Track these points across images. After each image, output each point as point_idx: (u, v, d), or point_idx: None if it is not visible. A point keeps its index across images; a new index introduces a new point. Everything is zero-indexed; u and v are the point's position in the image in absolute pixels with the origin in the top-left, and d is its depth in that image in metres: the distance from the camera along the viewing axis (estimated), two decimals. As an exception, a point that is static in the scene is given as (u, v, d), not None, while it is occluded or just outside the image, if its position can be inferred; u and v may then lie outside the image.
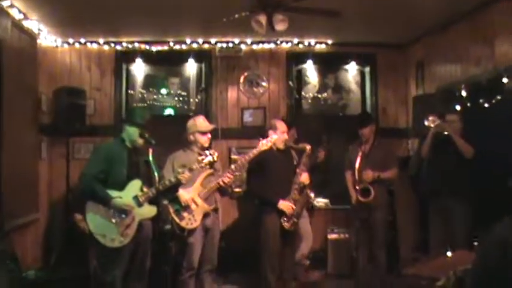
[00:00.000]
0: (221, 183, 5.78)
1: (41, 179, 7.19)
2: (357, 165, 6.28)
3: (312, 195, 6.62)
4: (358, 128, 6.65)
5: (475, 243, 4.16)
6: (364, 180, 6.38)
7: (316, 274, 7.43)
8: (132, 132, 5.29)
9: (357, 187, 6.35)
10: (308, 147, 6.30)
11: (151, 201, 5.32)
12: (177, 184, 5.52)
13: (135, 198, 5.21)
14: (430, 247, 6.46)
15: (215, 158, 5.55)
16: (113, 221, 5.08)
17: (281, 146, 6.28)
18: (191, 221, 5.72)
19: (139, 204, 5.22)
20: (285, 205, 6.14)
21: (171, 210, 5.70)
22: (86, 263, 5.80)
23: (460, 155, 6.02)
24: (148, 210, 5.31)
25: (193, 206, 5.72)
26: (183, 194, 5.70)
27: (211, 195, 5.91)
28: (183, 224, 5.69)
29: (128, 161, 5.29)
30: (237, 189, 7.74)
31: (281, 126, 6.34)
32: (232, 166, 5.92)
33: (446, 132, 6.12)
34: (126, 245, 5.11)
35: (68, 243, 7.00)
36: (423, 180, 6.57)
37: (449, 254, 4.96)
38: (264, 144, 5.84)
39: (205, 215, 5.83)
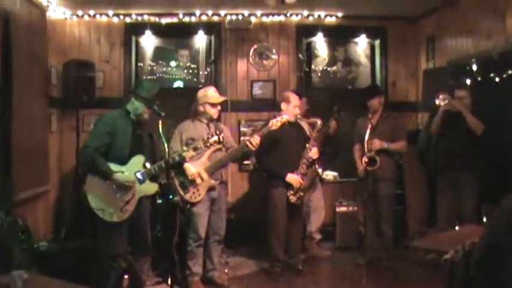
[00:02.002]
0: (249, 144, 5.73)
1: (51, 152, 7.22)
2: (366, 137, 6.28)
3: (320, 170, 6.67)
4: (367, 100, 6.65)
5: (484, 218, 4.18)
6: (371, 150, 6.37)
7: (326, 248, 7.46)
8: (137, 106, 5.21)
9: (365, 158, 6.34)
10: (319, 121, 6.33)
11: (153, 177, 5.31)
12: (181, 162, 5.55)
13: (137, 174, 5.17)
14: (438, 221, 6.50)
15: (221, 139, 5.51)
16: (113, 196, 5.04)
17: (292, 119, 6.29)
18: (195, 194, 5.75)
19: (141, 181, 5.20)
20: (293, 178, 6.18)
21: (176, 182, 5.74)
22: (96, 235, 5.85)
23: (470, 131, 6.02)
24: (149, 188, 5.29)
25: (198, 181, 5.74)
26: (189, 167, 5.71)
27: (218, 171, 5.93)
28: (187, 197, 5.73)
29: (131, 135, 5.21)
30: (246, 162, 7.78)
31: (294, 99, 6.35)
32: (260, 133, 5.87)
33: (456, 109, 6.13)
34: (125, 220, 5.10)
35: (78, 215, 7.05)
36: (432, 155, 6.58)
37: (457, 228, 4.98)
38: (274, 124, 5.82)
39: (210, 189, 5.85)
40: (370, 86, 7.88)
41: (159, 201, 6.23)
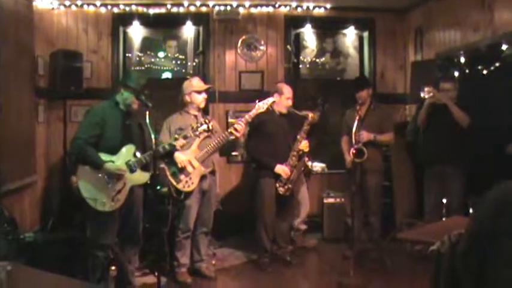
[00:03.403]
0: (233, 131, 5.76)
1: (38, 142, 7.18)
2: (354, 128, 6.28)
3: (310, 163, 6.67)
4: (355, 92, 6.64)
5: (470, 210, 4.20)
6: (359, 142, 6.38)
7: (312, 239, 7.47)
8: (127, 97, 5.16)
9: (352, 150, 6.34)
10: (310, 114, 6.32)
11: (144, 166, 5.28)
12: (172, 150, 5.54)
13: (128, 163, 5.14)
14: (425, 213, 6.53)
15: (210, 127, 5.50)
16: (104, 185, 5.00)
17: (284, 111, 6.32)
18: (188, 183, 5.74)
19: (132, 170, 5.16)
20: (281, 169, 6.19)
21: (168, 173, 5.73)
22: (83, 226, 5.83)
23: (456, 123, 6.05)
24: (141, 176, 5.24)
25: (189, 169, 5.73)
26: (179, 155, 5.70)
27: (209, 158, 5.91)
28: (179, 186, 5.71)
29: (121, 125, 5.17)
30: (234, 153, 7.77)
31: (287, 91, 6.39)
32: (246, 116, 5.90)
33: (442, 102, 6.16)
34: (116, 209, 5.07)
35: (66, 206, 7.03)
36: (420, 147, 6.61)
37: (444, 219, 5.00)
38: (260, 107, 5.85)
39: (202, 178, 5.84)
40: (358, 77, 7.88)
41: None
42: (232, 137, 5.81)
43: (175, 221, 5.93)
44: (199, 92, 5.94)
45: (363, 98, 6.61)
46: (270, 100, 5.98)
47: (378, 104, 6.89)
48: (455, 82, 6.48)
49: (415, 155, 7.00)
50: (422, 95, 6.26)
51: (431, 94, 6.18)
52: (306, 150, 6.35)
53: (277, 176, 6.23)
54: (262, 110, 5.90)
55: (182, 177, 5.73)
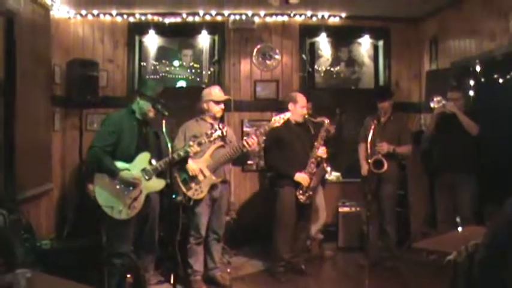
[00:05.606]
0: (245, 144, 5.76)
1: (55, 151, 7.24)
2: (370, 137, 6.28)
3: (328, 169, 6.65)
4: (378, 102, 6.66)
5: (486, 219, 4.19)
6: (378, 152, 6.39)
7: (328, 248, 7.45)
8: (142, 105, 5.23)
9: (369, 159, 6.34)
10: (326, 121, 6.31)
11: (160, 173, 5.31)
12: (186, 157, 5.56)
13: (143, 171, 5.19)
14: (437, 222, 6.52)
15: (224, 133, 5.53)
16: (120, 193, 5.06)
17: (299, 119, 6.33)
18: (197, 191, 5.75)
19: (147, 178, 5.22)
20: (301, 177, 6.18)
21: (179, 179, 5.74)
22: (99, 234, 5.86)
23: (465, 132, 6.06)
24: (156, 184, 5.29)
25: (200, 177, 5.75)
26: (192, 164, 5.72)
27: (220, 168, 5.92)
28: (189, 193, 5.73)
29: (137, 133, 5.24)
30: (249, 162, 7.79)
31: (301, 100, 6.37)
32: (261, 129, 5.93)
33: (450, 111, 6.17)
34: (133, 217, 5.12)
35: (81, 214, 7.06)
36: (431, 156, 6.62)
37: (460, 229, 4.98)
38: (276, 121, 5.85)
39: (213, 187, 5.86)
40: (381, 87, 7.91)
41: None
42: (245, 150, 5.83)
43: (187, 228, 5.94)
44: (217, 103, 5.96)
45: (385, 108, 6.64)
46: (286, 115, 5.95)
47: (397, 114, 6.89)
48: (462, 91, 6.50)
49: (429, 164, 6.99)
50: (432, 105, 6.30)
51: (440, 104, 6.21)
52: (324, 156, 6.33)
53: (297, 185, 6.22)
54: (277, 125, 5.88)
55: (192, 185, 5.75)
